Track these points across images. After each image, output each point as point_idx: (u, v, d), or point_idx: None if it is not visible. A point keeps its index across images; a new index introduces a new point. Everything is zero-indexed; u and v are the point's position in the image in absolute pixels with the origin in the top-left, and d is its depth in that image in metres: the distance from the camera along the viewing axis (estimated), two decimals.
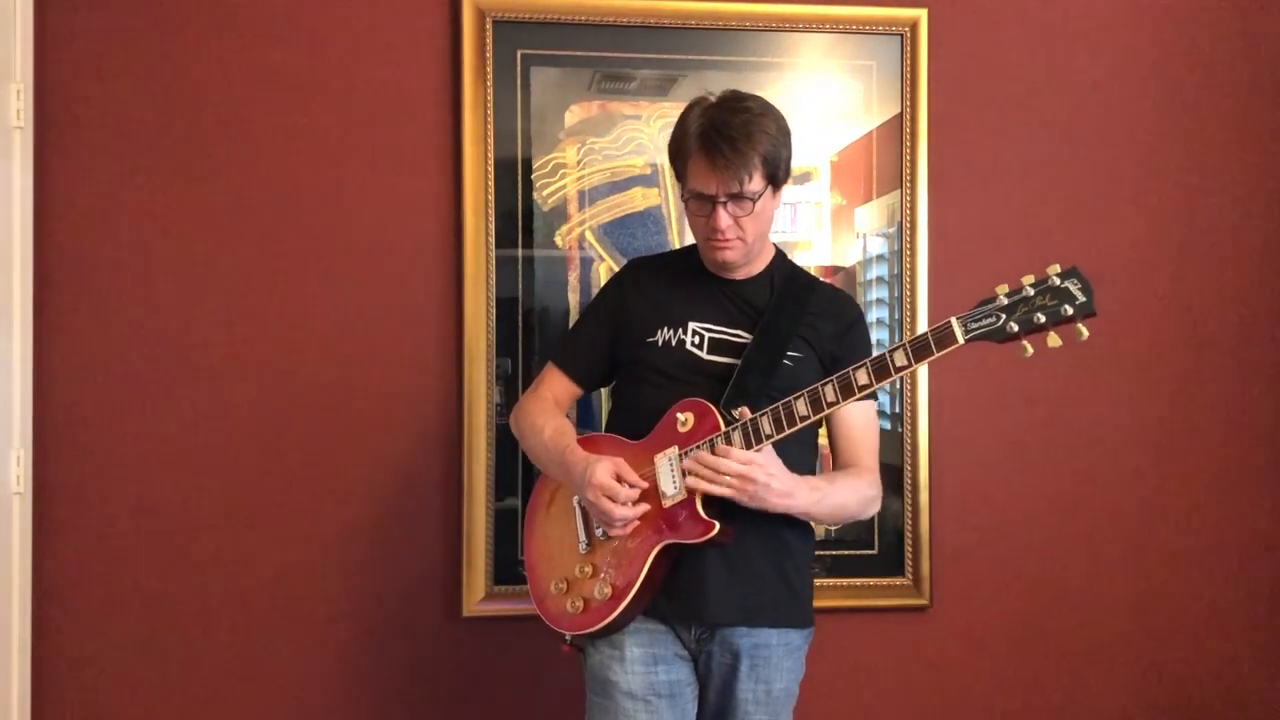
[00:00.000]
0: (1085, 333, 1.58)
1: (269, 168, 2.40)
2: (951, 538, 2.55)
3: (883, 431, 2.47)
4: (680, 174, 1.81)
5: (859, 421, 1.87)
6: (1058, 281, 1.59)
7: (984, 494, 2.58)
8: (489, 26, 2.41)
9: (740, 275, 1.87)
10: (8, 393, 2.26)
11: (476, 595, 2.41)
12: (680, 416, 1.78)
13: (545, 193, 2.46)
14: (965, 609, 2.57)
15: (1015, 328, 1.60)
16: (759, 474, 1.68)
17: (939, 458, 2.53)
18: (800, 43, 2.51)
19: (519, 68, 2.44)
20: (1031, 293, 1.60)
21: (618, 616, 1.76)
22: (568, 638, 1.83)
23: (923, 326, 2.50)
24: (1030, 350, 1.61)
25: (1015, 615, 2.58)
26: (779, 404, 1.71)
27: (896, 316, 2.53)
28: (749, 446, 1.71)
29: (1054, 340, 1.60)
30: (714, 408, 1.76)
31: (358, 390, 2.41)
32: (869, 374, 1.67)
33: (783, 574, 1.83)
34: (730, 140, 1.70)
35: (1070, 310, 1.58)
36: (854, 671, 2.54)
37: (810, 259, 2.52)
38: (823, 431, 1.94)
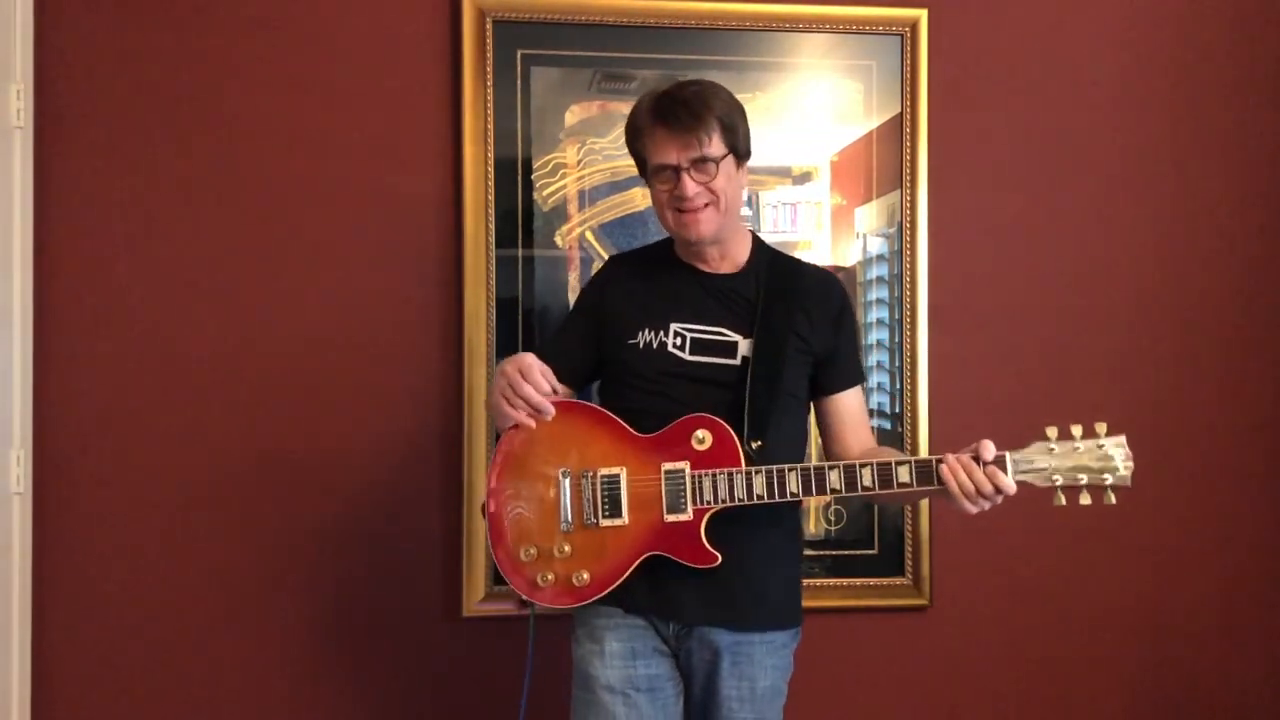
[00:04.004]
0: (1114, 499, 1.69)
1: (269, 167, 2.40)
2: (951, 538, 2.55)
3: (883, 432, 2.50)
4: (641, 156, 1.82)
5: (857, 406, 1.92)
6: (1105, 444, 1.70)
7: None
8: (489, 26, 2.41)
9: (724, 269, 1.87)
10: (8, 393, 2.26)
11: (476, 595, 2.41)
12: (698, 433, 1.75)
13: (545, 193, 2.46)
14: (965, 609, 2.57)
15: (1057, 479, 1.70)
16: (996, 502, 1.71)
17: None
18: (800, 43, 2.51)
19: (519, 68, 2.45)
20: (1080, 448, 1.70)
21: (588, 605, 1.78)
22: (522, 598, 1.80)
23: (923, 326, 2.51)
24: (1064, 501, 1.71)
25: (1015, 615, 2.58)
26: (812, 467, 1.72)
27: (896, 317, 2.53)
28: (770, 495, 1.72)
29: (1085, 499, 1.71)
30: (737, 441, 1.74)
31: (358, 390, 2.41)
32: (910, 472, 1.71)
33: (766, 575, 1.82)
34: (685, 103, 1.74)
35: (1110, 480, 1.69)
36: (854, 671, 2.54)
37: (810, 259, 2.50)
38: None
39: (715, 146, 1.74)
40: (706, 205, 1.77)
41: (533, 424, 1.76)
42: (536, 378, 1.74)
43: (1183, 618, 2.63)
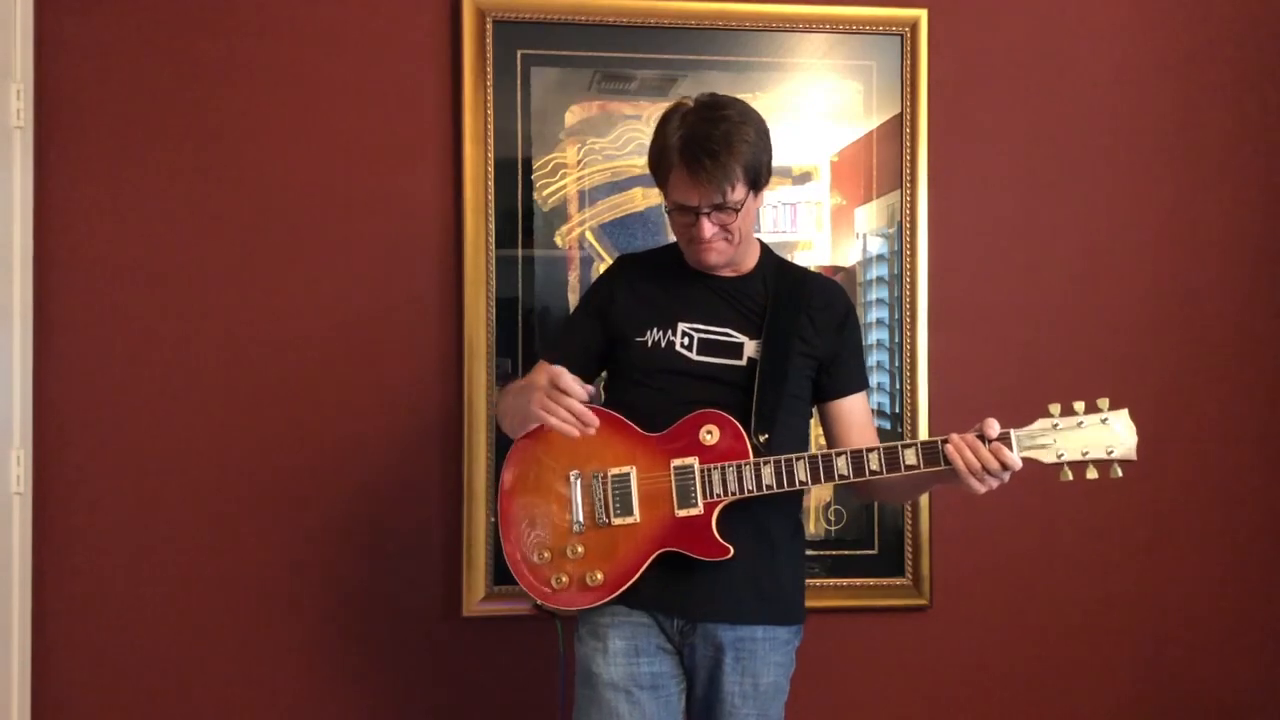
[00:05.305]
0: (1120, 473, 1.69)
1: (269, 167, 2.40)
2: (951, 538, 2.55)
3: (883, 431, 2.50)
4: (661, 184, 1.80)
5: (861, 411, 1.92)
6: (1109, 419, 1.69)
7: (983, 494, 2.57)
8: (489, 26, 2.41)
9: (731, 274, 1.88)
10: (8, 393, 2.26)
11: (476, 595, 2.41)
12: (706, 428, 1.77)
13: (545, 193, 2.46)
14: (965, 609, 2.57)
15: (1063, 454, 1.70)
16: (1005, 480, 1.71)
17: None
18: (800, 43, 2.51)
19: (519, 68, 2.45)
20: (1085, 423, 1.69)
21: (602, 605, 1.79)
22: (536, 602, 1.82)
23: (923, 326, 2.51)
24: (1070, 476, 1.71)
25: (1015, 615, 2.58)
26: (820, 455, 1.73)
27: (896, 317, 2.53)
28: (779, 485, 1.73)
29: (1091, 473, 1.71)
30: (744, 434, 1.75)
31: (358, 390, 2.41)
32: (917, 454, 1.71)
33: (771, 571, 1.83)
34: (712, 153, 1.69)
35: (1115, 453, 1.69)
36: (854, 671, 2.54)
37: (810, 259, 2.52)
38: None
39: (737, 193, 1.73)
40: (723, 239, 1.78)
41: (576, 433, 1.70)
42: (569, 384, 1.70)
43: (1183, 618, 2.63)
